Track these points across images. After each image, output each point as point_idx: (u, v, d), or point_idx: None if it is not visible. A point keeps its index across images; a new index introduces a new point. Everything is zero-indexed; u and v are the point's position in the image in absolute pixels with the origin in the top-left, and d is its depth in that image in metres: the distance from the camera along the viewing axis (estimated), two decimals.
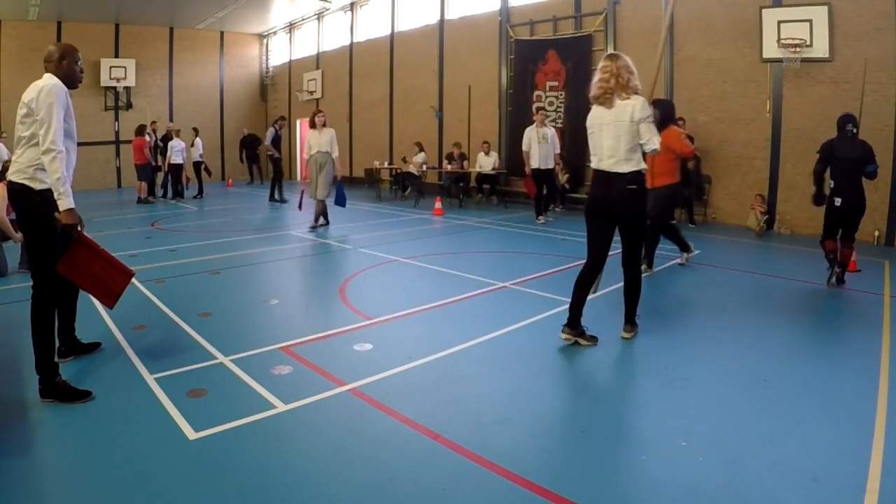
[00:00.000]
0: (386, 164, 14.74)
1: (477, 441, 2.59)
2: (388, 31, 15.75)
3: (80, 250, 3.13)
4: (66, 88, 3.07)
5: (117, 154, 17.29)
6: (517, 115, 12.23)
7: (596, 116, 3.75)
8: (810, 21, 8.17)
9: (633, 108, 3.58)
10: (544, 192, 9.68)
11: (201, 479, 2.30)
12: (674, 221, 6.27)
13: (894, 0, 7.60)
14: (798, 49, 8.23)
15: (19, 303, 4.80)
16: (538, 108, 10.80)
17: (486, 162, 12.08)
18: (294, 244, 7.69)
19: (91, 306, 4.33)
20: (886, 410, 2.88)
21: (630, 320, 3.99)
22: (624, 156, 3.62)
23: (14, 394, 3.05)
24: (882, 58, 7.75)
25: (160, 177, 13.61)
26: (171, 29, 18.29)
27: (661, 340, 3.94)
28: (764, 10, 8.59)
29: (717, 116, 9.53)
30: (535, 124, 9.49)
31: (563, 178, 10.94)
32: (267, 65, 20.91)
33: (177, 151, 13.02)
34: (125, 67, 16.94)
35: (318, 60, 18.60)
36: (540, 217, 9.43)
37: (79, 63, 3.20)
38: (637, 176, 3.66)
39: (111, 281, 3.34)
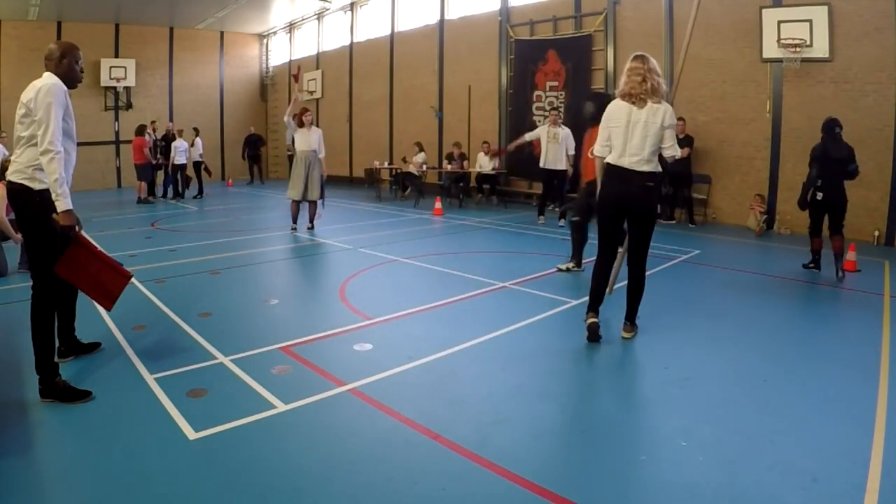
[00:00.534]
0: (386, 164, 14.74)
1: (477, 441, 2.59)
2: (388, 31, 15.75)
3: (77, 252, 3.13)
4: (65, 88, 3.05)
5: (117, 154, 17.29)
6: (517, 115, 12.24)
7: (623, 112, 3.71)
8: (810, 21, 8.17)
9: (665, 113, 3.66)
10: (544, 192, 9.67)
11: (201, 479, 2.30)
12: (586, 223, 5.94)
13: (894, 0, 7.60)
14: (798, 49, 8.24)
15: (19, 303, 4.80)
16: (552, 108, 10.75)
17: (486, 162, 12.08)
18: (294, 244, 7.69)
19: (91, 306, 4.32)
20: (886, 410, 2.88)
21: (631, 320, 3.99)
22: (647, 157, 3.68)
23: (14, 394, 3.05)
24: (882, 58, 7.75)
25: (160, 176, 13.62)
26: (171, 29, 18.28)
27: (661, 340, 3.93)
28: (764, 10, 8.59)
29: (717, 116, 9.54)
30: (548, 122, 9.44)
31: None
32: (267, 65, 20.91)
33: (180, 152, 13.05)
34: (125, 67, 16.94)
35: (318, 60, 18.60)
36: (541, 217, 9.43)
37: (79, 62, 3.18)
38: (655, 176, 3.73)
39: (109, 283, 3.34)
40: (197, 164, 13.76)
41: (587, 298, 3.97)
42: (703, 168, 9.61)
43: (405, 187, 13.56)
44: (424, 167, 13.07)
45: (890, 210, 7.84)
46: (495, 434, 2.68)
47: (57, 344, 3.37)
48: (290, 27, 19.85)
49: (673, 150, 3.73)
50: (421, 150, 13.31)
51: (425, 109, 14.63)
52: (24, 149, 2.99)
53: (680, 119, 9.41)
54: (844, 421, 2.79)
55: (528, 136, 9.52)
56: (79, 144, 3.29)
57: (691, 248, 7.25)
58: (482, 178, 12.15)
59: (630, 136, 3.68)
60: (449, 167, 12.56)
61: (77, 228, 3.06)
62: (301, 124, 8.18)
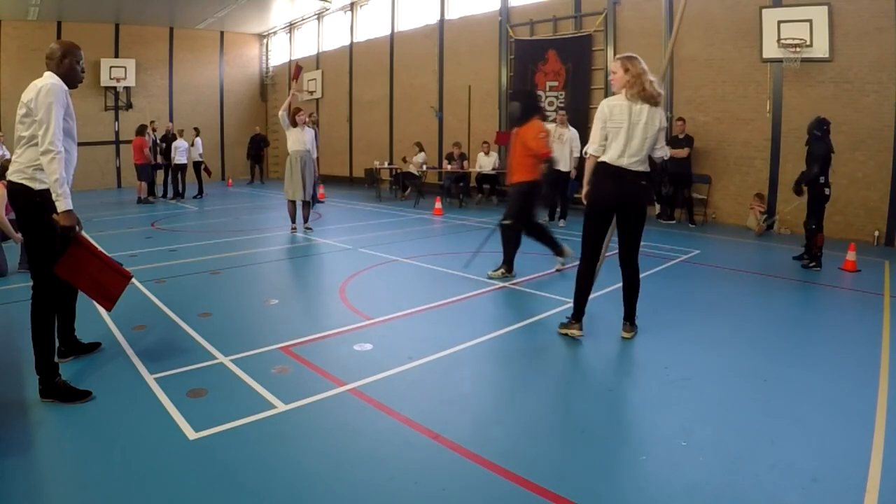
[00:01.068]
0: (386, 164, 14.74)
1: (477, 441, 2.59)
2: (388, 31, 15.75)
3: (77, 252, 3.13)
4: (65, 88, 3.05)
5: (117, 154, 17.29)
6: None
7: (626, 113, 3.68)
8: (810, 21, 8.17)
9: (661, 115, 3.74)
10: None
11: (201, 479, 2.30)
12: (542, 222, 5.92)
13: (894, 0, 7.60)
14: (798, 49, 8.24)
15: (19, 303, 4.80)
16: (559, 109, 10.72)
17: (486, 162, 12.08)
18: (294, 244, 7.69)
19: (91, 306, 4.32)
20: (886, 410, 2.88)
21: (631, 320, 3.99)
22: (644, 157, 3.72)
23: (14, 394, 3.05)
24: (882, 58, 7.75)
25: (160, 176, 13.62)
26: (171, 29, 18.29)
27: (661, 340, 3.93)
28: (764, 10, 8.59)
29: (717, 116, 9.54)
30: (556, 123, 9.41)
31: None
32: (267, 65, 20.91)
33: (181, 152, 13.05)
34: (125, 67, 16.94)
35: (318, 60, 18.60)
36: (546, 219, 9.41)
37: (80, 62, 3.18)
38: (647, 175, 3.78)
39: (109, 283, 3.33)
40: (197, 164, 13.77)
41: (582, 310, 3.94)
42: (703, 168, 9.61)
43: (405, 187, 13.56)
44: (424, 167, 13.06)
45: (890, 210, 7.84)
46: (495, 434, 2.68)
47: (57, 344, 3.37)
48: (290, 27, 19.85)
49: (664, 151, 3.81)
50: (421, 150, 13.31)
51: (425, 109, 14.63)
52: (24, 149, 2.99)
53: (680, 119, 9.45)
54: (844, 421, 2.79)
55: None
56: (79, 144, 3.27)
57: (691, 248, 7.25)
58: (482, 178, 12.14)
59: (631, 137, 3.67)
60: (449, 167, 12.56)
61: (77, 229, 3.06)
62: (295, 123, 8.15)
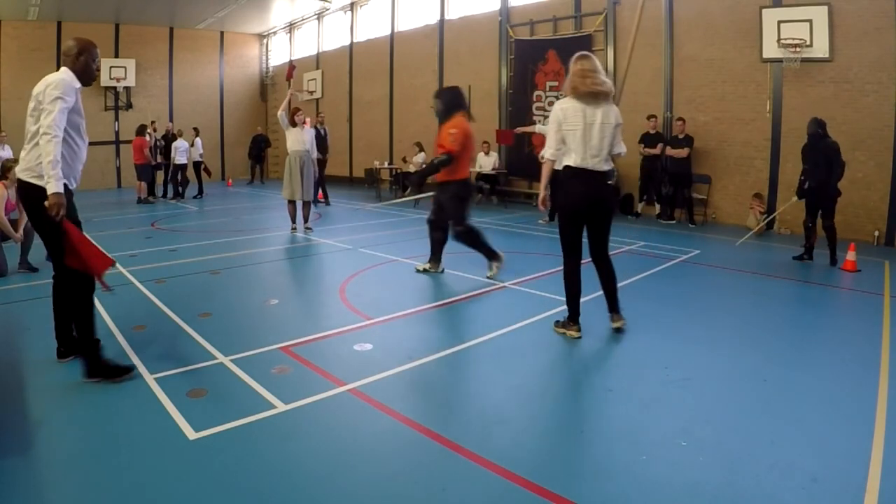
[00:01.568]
0: (386, 164, 14.74)
1: (477, 441, 2.59)
2: (388, 31, 15.75)
3: (71, 236, 3.08)
4: (76, 85, 3.08)
5: (117, 154, 17.29)
6: (517, 116, 12.23)
7: (579, 114, 3.70)
8: (810, 21, 8.17)
9: (617, 112, 3.81)
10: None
11: (201, 478, 2.30)
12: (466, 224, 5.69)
13: (894, 0, 7.60)
14: (798, 49, 8.24)
15: (19, 303, 4.81)
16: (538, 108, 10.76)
17: (486, 162, 12.08)
18: (294, 244, 7.69)
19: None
20: (886, 410, 2.88)
21: (616, 310, 4.04)
22: (606, 156, 3.78)
23: (14, 394, 3.04)
24: (882, 58, 7.75)
25: (161, 176, 13.61)
26: (171, 29, 18.28)
27: (661, 340, 3.93)
28: (764, 10, 8.59)
29: (717, 116, 9.54)
30: None
31: None
32: (267, 65, 20.90)
33: (181, 152, 13.05)
34: (125, 67, 16.94)
35: (318, 60, 18.60)
36: (544, 219, 9.41)
37: (96, 60, 3.24)
38: (612, 174, 3.89)
39: (99, 262, 3.30)
40: (197, 164, 13.77)
41: (577, 311, 3.98)
42: (703, 168, 9.61)
43: (405, 187, 13.55)
44: (424, 167, 13.05)
45: (890, 210, 7.84)
46: (495, 434, 2.68)
47: (56, 344, 3.38)
48: (290, 27, 19.85)
49: (621, 148, 3.85)
50: (421, 150, 13.30)
51: (425, 109, 14.59)
52: (33, 145, 2.99)
53: (680, 119, 9.46)
54: (844, 421, 2.79)
55: (537, 129, 9.46)
56: None
57: (691, 248, 7.25)
58: (482, 178, 12.14)
59: (589, 138, 3.70)
60: None
61: (61, 213, 2.96)
62: (294, 123, 8.15)
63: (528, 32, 12.21)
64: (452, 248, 6.04)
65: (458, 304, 4.80)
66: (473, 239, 5.52)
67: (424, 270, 5.75)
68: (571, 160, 3.75)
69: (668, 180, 9.64)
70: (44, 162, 2.88)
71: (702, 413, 2.89)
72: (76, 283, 3.13)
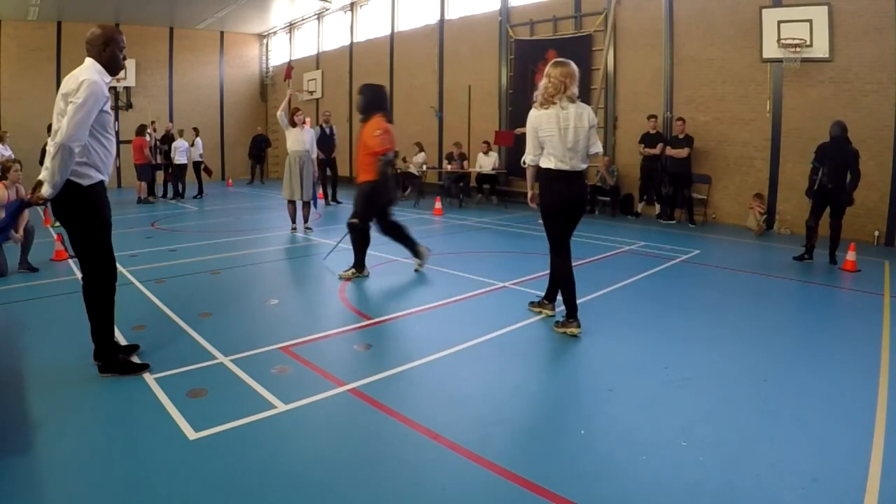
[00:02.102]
0: None
1: (477, 441, 2.59)
2: (388, 31, 15.75)
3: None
4: (106, 79, 3.03)
5: (117, 154, 17.25)
6: (517, 116, 12.22)
7: (553, 120, 3.88)
8: (810, 21, 8.17)
9: (589, 114, 3.97)
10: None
11: (201, 479, 2.30)
12: (399, 221, 5.79)
13: (894, 0, 7.60)
14: (798, 49, 8.24)
15: (19, 303, 4.81)
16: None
17: (486, 162, 12.08)
18: (294, 244, 7.69)
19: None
20: (886, 410, 2.88)
21: (555, 299, 4.27)
22: (582, 156, 3.95)
23: (14, 394, 3.05)
24: (882, 58, 7.75)
25: (161, 176, 13.61)
26: (171, 29, 18.29)
27: (661, 340, 3.94)
28: (764, 10, 8.59)
29: (717, 116, 9.54)
30: None
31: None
32: (267, 65, 20.90)
33: (181, 152, 13.06)
34: (125, 67, 16.92)
35: (318, 60, 18.60)
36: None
37: (123, 49, 3.14)
38: (586, 172, 4.09)
39: None
40: (197, 164, 13.77)
41: (574, 307, 4.01)
42: (703, 168, 9.61)
43: (405, 187, 13.56)
44: (424, 167, 13.06)
45: (890, 210, 7.84)
46: (495, 434, 2.68)
47: (93, 347, 3.34)
48: (290, 27, 19.85)
49: (597, 148, 4.02)
50: (421, 150, 13.31)
51: (425, 109, 14.63)
52: None
53: (680, 119, 9.46)
54: (844, 421, 2.79)
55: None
56: None
57: (691, 248, 7.25)
58: (482, 178, 12.15)
59: (565, 140, 3.87)
60: (449, 167, 12.56)
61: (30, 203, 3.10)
62: (293, 124, 8.14)
63: (528, 32, 12.21)
64: (452, 248, 6.07)
65: (457, 304, 4.80)
66: (361, 239, 5.59)
67: (350, 277, 5.60)
68: (552, 163, 3.93)
69: (668, 180, 9.64)
70: (51, 169, 2.88)
71: (702, 413, 2.89)
72: (99, 283, 3.18)
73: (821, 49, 8.15)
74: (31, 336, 3.97)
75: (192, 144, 13.70)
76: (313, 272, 6.37)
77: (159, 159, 13.14)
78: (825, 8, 8.06)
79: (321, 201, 11.46)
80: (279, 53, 20.66)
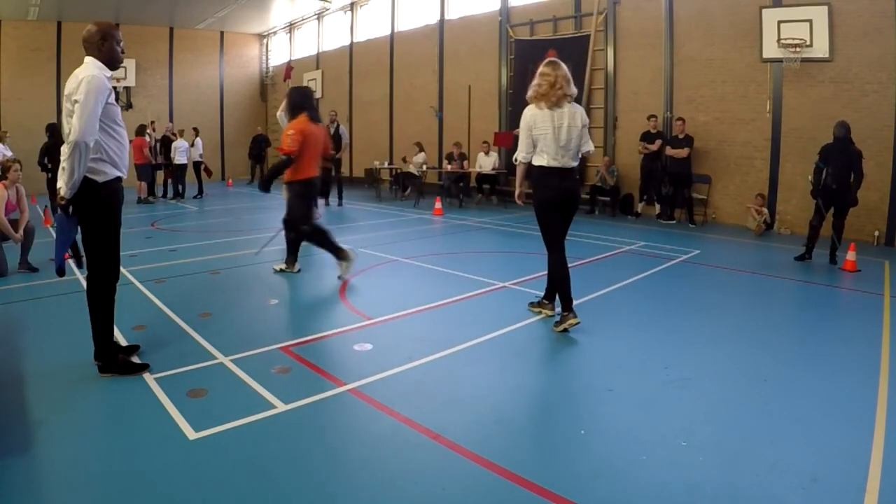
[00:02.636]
0: (386, 164, 14.74)
1: (477, 441, 2.59)
2: (388, 31, 15.75)
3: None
4: (108, 75, 3.04)
5: None
6: (517, 116, 12.18)
7: (547, 118, 3.95)
8: (810, 21, 8.17)
9: (582, 114, 4.07)
10: None
11: (201, 479, 2.30)
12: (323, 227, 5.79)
13: (894, 0, 7.60)
14: (798, 49, 8.24)
15: (19, 303, 4.81)
16: None
17: (486, 162, 12.08)
18: None
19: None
20: (886, 410, 2.88)
21: (553, 298, 4.27)
22: (573, 154, 4.06)
23: (14, 394, 3.05)
24: (882, 58, 7.75)
25: (161, 176, 13.61)
26: (171, 29, 18.29)
27: (661, 340, 3.93)
28: (764, 10, 8.59)
29: (717, 116, 9.54)
30: None
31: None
32: (267, 65, 20.90)
33: (181, 152, 13.06)
34: (125, 67, 16.89)
35: (318, 60, 18.60)
36: None
37: (120, 43, 3.16)
38: (577, 169, 4.18)
39: None
40: (197, 164, 13.77)
41: (570, 299, 4.03)
42: (703, 168, 9.61)
43: (405, 187, 13.56)
44: (424, 167, 13.06)
45: (890, 210, 7.85)
46: (495, 434, 2.68)
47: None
48: (290, 27, 19.85)
49: (589, 146, 4.15)
50: (421, 150, 13.30)
51: (425, 109, 14.63)
52: None
53: (680, 119, 9.46)
54: (844, 421, 2.79)
55: None
56: None
57: (691, 248, 7.25)
58: (482, 178, 12.14)
59: (558, 139, 3.94)
60: (449, 167, 12.56)
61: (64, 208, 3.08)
62: None
63: (528, 32, 12.21)
64: (452, 248, 6.07)
65: (457, 304, 4.80)
66: (320, 238, 5.62)
67: (281, 270, 5.80)
68: (545, 160, 4.00)
69: (668, 180, 9.64)
70: (66, 169, 2.89)
71: (702, 413, 2.89)
72: (102, 282, 3.18)
73: (821, 49, 8.15)
74: (31, 336, 3.97)
75: (192, 144, 13.70)
76: (313, 272, 6.37)
77: (159, 159, 13.14)
78: (825, 8, 8.06)
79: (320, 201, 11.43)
80: (279, 53, 20.66)
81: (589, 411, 2.99)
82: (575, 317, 3.97)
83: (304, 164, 5.43)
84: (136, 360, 3.44)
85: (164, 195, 13.59)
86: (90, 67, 2.99)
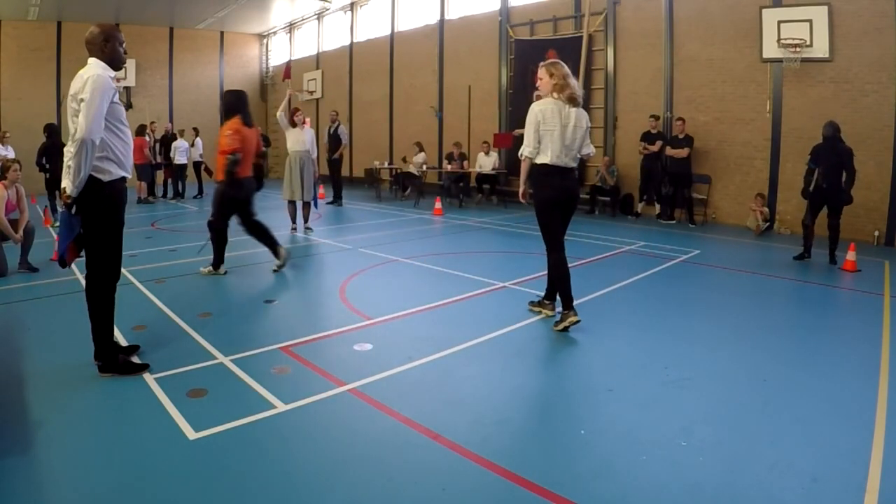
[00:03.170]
0: (386, 164, 14.74)
1: (477, 441, 2.59)
2: (388, 31, 15.76)
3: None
4: (111, 75, 3.06)
5: None
6: (517, 116, 12.23)
7: (556, 116, 3.97)
8: (810, 21, 8.18)
9: (587, 117, 4.16)
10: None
11: (201, 479, 2.30)
12: (257, 220, 5.89)
13: (894, 0, 7.60)
14: (798, 49, 8.24)
15: (19, 303, 4.81)
16: None
17: (486, 162, 12.08)
18: (294, 244, 7.68)
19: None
20: (886, 410, 2.88)
21: (554, 297, 4.28)
22: (574, 155, 4.10)
23: (14, 393, 3.04)
24: (882, 58, 7.75)
25: (161, 176, 13.61)
26: (171, 29, 18.30)
27: (661, 340, 3.93)
28: (764, 10, 8.59)
29: (717, 116, 9.54)
30: None
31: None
32: (267, 65, 20.91)
33: (180, 152, 13.06)
34: (125, 67, 16.88)
35: (318, 60, 18.60)
36: None
37: (123, 44, 3.19)
38: (576, 169, 4.24)
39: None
40: (197, 164, 13.77)
41: (570, 298, 4.05)
42: (703, 168, 9.61)
43: (405, 187, 13.56)
44: (424, 167, 13.06)
45: (890, 210, 7.85)
46: (495, 434, 2.68)
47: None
48: (290, 27, 19.86)
49: (589, 149, 4.22)
50: (421, 150, 13.30)
51: (425, 109, 14.64)
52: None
53: (680, 119, 9.47)
54: (844, 421, 2.79)
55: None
56: None
57: (691, 248, 7.25)
58: (482, 178, 12.15)
59: (564, 137, 3.97)
60: (449, 167, 12.56)
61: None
62: (293, 124, 8.12)
63: (528, 32, 12.22)
64: (452, 248, 6.07)
65: (457, 304, 4.80)
66: (220, 237, 5.76)
67: (209, 272, 5.79)
68: (548, 158, 4.01)
69: (669, 180, 9.64)
70: (73, 167, 2.89)
71: (702, 413, 2.89)
72: (102, 281, 3.19)
73: (821, 49, 8.15)
74: (31, 336, 3.97)
75: (192, 144, 13.69)
76: (313, 272, 6.37)
77: (159, 159, 13.14)
78: (825, 8, 8.06)
79: (321, 201, 11.46)
80: (279, 53, 20.66)
81: (589, 411, 2.99)
82: (575, 315, 3.97)
83: (225, 163, 5.52)
84: (136, 360, 3.44)
85: (164, 195, 13.60)
86: (94, 68, 3.02)
